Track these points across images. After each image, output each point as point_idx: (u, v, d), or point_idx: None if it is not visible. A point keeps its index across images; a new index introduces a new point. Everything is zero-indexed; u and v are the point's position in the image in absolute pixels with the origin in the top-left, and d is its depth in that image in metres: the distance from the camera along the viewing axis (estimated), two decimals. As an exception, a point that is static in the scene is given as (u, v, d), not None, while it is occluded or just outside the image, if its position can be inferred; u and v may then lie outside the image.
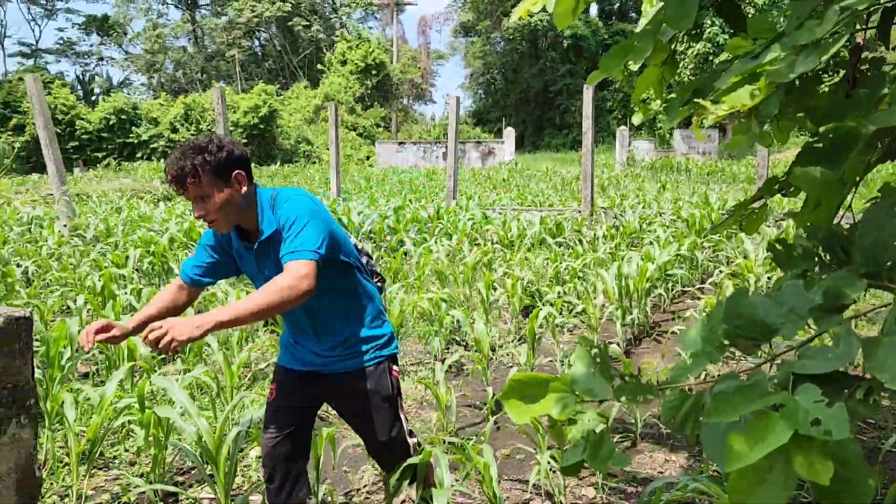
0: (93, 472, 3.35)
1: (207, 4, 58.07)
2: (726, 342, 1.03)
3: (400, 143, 33.42)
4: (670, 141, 31.94)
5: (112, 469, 3.43)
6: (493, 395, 3.94)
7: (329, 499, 3.21)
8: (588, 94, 11.14)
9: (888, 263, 1.00)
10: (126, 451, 3.61)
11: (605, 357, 1.16)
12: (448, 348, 5.47)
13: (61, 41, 61.02)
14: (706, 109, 1.19)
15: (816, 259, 1.12)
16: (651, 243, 7.85)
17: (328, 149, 22.44)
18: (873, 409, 0.89)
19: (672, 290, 7.11)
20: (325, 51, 48.74)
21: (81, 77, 56.02)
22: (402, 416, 2.60)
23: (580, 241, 8.97)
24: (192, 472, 3.46)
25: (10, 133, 30.83)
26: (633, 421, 3.96)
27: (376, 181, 22.68)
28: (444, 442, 3.50)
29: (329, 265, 2.31)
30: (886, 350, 0.88)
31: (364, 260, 2.64)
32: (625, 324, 5.54)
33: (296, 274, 2.09)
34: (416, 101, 53.85)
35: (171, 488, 2.81)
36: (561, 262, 7.27)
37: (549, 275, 7.16)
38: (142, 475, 3.32)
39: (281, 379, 2.58)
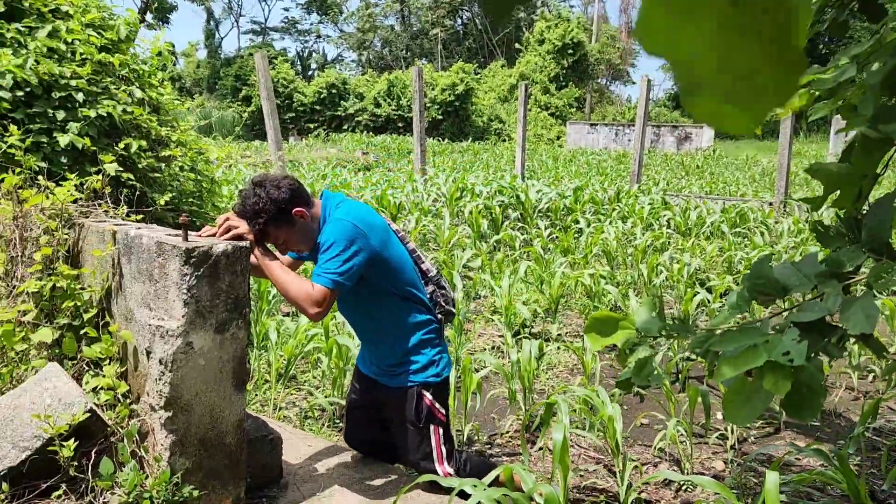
0: (288, 388, 4.07)
1: (416, -16, 60.48)
2: (747, 296, 1.30)
3: (592, 125, 33.07)
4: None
5: (302, 389, 4.13)
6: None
7: (475, 437, 3.66)
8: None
9: (887, 240, 1.22)
10: (314, 377, 4.31)
11: (662, 307, 1.46)
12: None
13: (286, 20, 66.79)
14: None
15: (846, 238, 1.34)
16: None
17: (518, 127, 22.92)
18: (841, 350, 1.14)
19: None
20: (524, 30, 49.05)
21: (301, 53, 61.09)
22: (433, 442, 2.63)
23: (762, 233, 8.67)
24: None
25: (239, 103, 34.64)
26: (779, 409, 4.01)
27: (563, 161, 22.80)
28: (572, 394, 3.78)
29: (372, 291, 2.52)
30: (856, 306, 1.13)
31: (429, 290, 2.75)
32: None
33: (310, 295, 2.33)
34: (613, 81, 52.72)
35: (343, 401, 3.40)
36: (736, 252, 7.15)
37: (720, 263, 7.09)
38: (325, 396, 3.98)
39: (355, 374, 2.93)
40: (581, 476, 3.27)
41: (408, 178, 12.06)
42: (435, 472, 2.58)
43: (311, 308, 2.33)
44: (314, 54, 63.29)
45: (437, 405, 2.63)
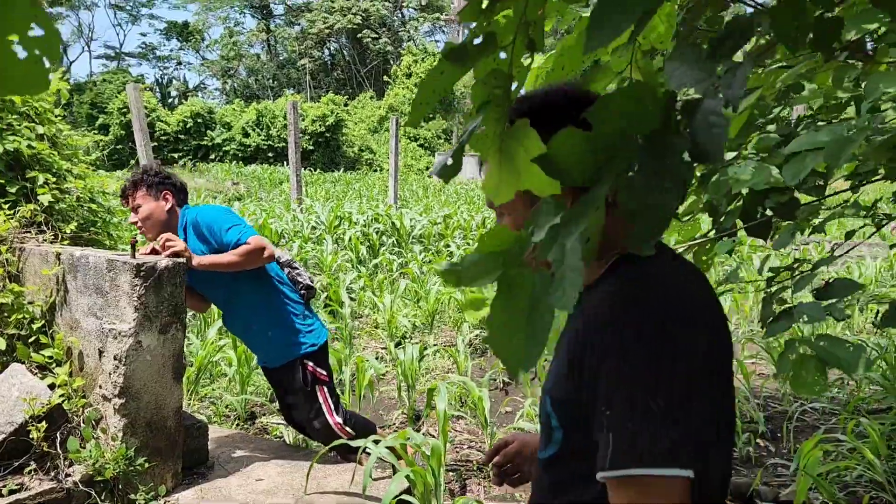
0: (197, 395, 4.48)
1: (282, 14, 60.57)
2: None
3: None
4: None
5: (209, 396, 4.55)
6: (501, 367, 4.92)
7: (366, 428, 4.24)
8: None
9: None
10: (218, 385, 4.73)
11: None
12: (477, 335, 6.46)
13: (143, 45, 64.64)
14: None
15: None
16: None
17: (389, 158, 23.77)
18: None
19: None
20: (391, 63, 50.37)
21: (160, 80, 59.22)
22: (320, 398, 3.12)
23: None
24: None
25: (95, 132, 33.30)
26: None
27: (434, 191, 23.81)
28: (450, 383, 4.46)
29: (246, 278, 3.01)
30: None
31: (286, 272, 3.23)
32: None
33: (253, 248, 2.83)
34: (477, 114, 54.94)
35: (255, 399, 3.89)
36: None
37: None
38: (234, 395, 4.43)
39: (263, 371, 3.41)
40: (457, 452, 3.93)
41: (285, 208, 12.45)
42: (328, 425, 3.08)
43: (264, 254, 2.85)
44: (174, 81, 61.58)
45: (318, 370, 3.13)
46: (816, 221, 2.33)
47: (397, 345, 5.73)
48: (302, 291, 3.25)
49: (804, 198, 1.82)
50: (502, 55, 0.98)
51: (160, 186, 3.00)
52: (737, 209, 2.12)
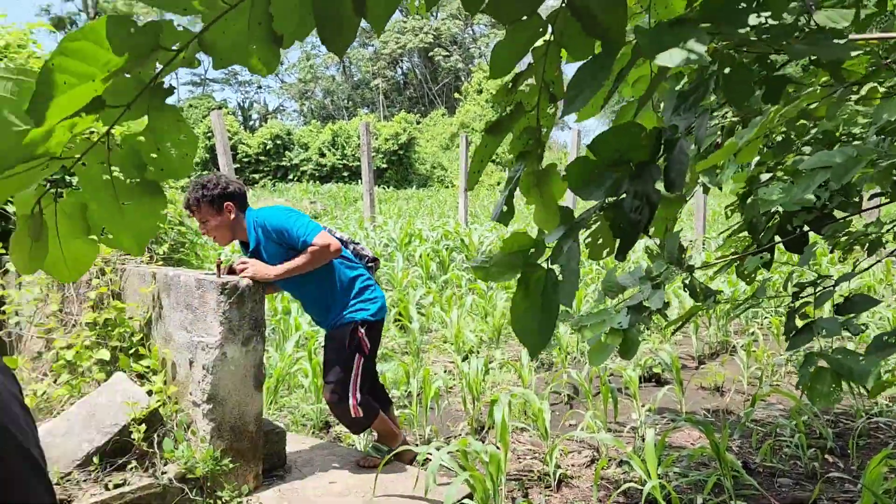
0: (276, 404, 4.79)
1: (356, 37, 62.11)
2: (602, 293, 2.18)
3: (529, 170, 34.46)
4: None
5: (287, 406, 4.85)
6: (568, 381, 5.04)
7: (434, 437, 4.44)
8: None
9: (678, 255, 2.11)
10: (295, 396, 5.03)
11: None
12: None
13: (226, 71, 67.41)
14: None
15: (660, 255, 2.23)
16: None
17: (460, 174, 24.16)
18: (648, 319, 2.01)
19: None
20: (462, 80, 50.96)
21: (242, 104, 61.72)
22: (354, 368, 3.32)
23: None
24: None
25: (183, 155, 34.89)
26: (679, 411, 4.91)
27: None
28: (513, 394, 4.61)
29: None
30: (655, 295, 2.01)
31: (350, 248, 3.51)
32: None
33: (319, 248, 3.09)
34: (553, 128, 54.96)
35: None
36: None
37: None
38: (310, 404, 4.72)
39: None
40: (520, 462, 4.08)
41: (358, 226, 12.87)
42: (346, 397, 3.30)
43: (329, 252, 3.12)
44: (255, 105, 64.05)
45: (366, 340, 3.36)
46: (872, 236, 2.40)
47: (464, 359, 5.92)
48: (369, 264, 3.55)
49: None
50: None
51: (221, 200, 3.21)
52: (774, 226, 2.23)
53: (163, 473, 2.80)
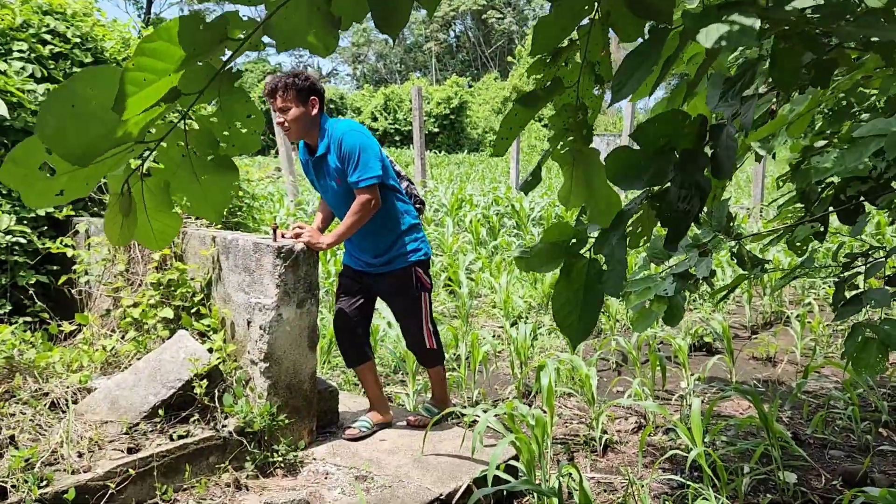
0: (329, 364, 4.94)
1: None
2: (648, 259, 2.19)
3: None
4: None
5: (339, 366, 5.00)
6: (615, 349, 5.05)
7: (482, 400, 4.53)
8: None
9: (726, 223, 2.10)
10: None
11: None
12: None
13: (281, 36, 67.66)
14: None
15: (708, 223, 2.22)
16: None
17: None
18: (695, 286, 2.02)
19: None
20: (516, 42, 50.18)
21: (296, 68, 62.14)
22: (423, 306, 3.45)
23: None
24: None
25: (239, 120, 35.39)
26: (729, 380, 4.88)
27: (556, 172, 23.73)
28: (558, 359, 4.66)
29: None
30: (702, 263, 2.02)
31: (404, 185, 3.52)
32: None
33: (365, 200, 3.15)
34: (605, 91, 53.88)
35: (381, 369, 4.26)
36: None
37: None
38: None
39: (342, 273, 3.65)
40: (566, 426, 4.14)
41: (410, 191, 12.95)
42: (421, 329, 3.47)
43: (373, 207, 3.19)
44: (309, 68, 64.38)
45: (425, 277, 3.48)
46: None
47: (513, 324, 5.97)
48: (417, 206, 3.60)
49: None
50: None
51: (309, 92, 3.19)
52: (828, 197, 2.19)
53: (223, 427, 2.95)
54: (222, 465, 2.89)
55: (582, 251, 1.18)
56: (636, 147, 1.16)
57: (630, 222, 1.23)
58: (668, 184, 1.10)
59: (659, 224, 1.14)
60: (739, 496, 3.15)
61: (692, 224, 2.36)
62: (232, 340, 3.26)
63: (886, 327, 1.51)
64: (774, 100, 2.32)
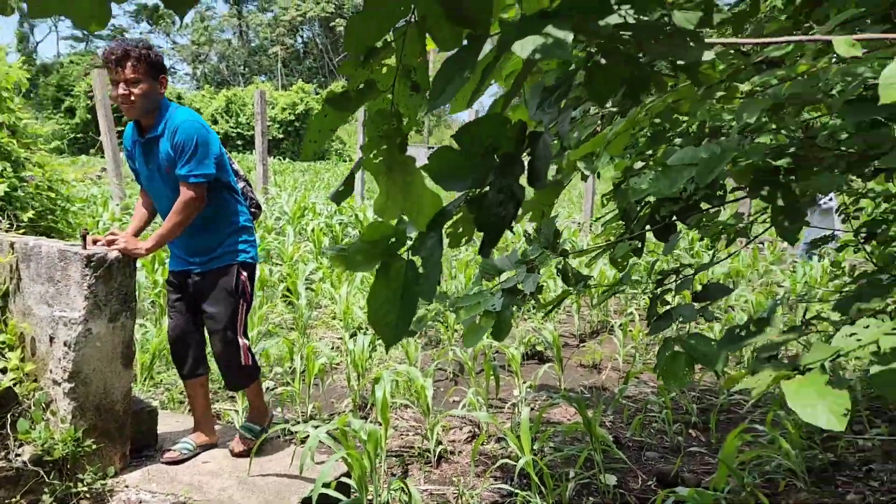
0: (151, 381, 4.59)
1: (255, 0, 59.93)
2: (479, 275, 2.20)
3: (430, 147, 34.59)
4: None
5: (162, 384, 4.66)
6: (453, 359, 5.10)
7: (317, 415, 4.39)
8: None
9: (554, 241, 2.16)
10: (168, 375, 4.84)
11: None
12: (431, 327, 6.63)
13: (112, 27, 63.32)
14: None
15: (537, 240, 2.28)
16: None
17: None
18: (522, 301, 2.05)
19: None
20: (364, 52, 50.14)
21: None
22: (239, 314, 3.21)
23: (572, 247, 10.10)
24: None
25: (61, 115, 32.59)
26: (557, 388, 5.09)
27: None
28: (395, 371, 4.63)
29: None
30: (529, 279, 2.04)
31: (241, 185, 3.36)
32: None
33: (189, 198, 2.98)
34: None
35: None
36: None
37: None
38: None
39: (168, 281, 3.38)
40: (402, 438, 4.11)
41: (250, 197, 12.48)
42: (236, 341, 3.20)
43: (197, 207, 3.00)
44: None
45: (248, 284, 3.26)
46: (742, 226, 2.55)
47: (352, 336, 5.88)
48: (253, 210, 3.43)
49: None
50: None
51: (161, 69, 3.03)
52: (645, 215, 2.32)
53: (17, 456, 2.63)
54: (13, 499, 2.57)
55: (401, 251, 1.14)
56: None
57: (450, 224, 1.20)
58: (487, 188, 1.09)
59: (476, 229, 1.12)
60: (563, 501, 3.27)
61: (526, 240, 2.40)
62: (32, 359, 2.92)
63: (693, 342, 1.60)
64: (599, 122, 2.43)
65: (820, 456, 3.84)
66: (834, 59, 1.38)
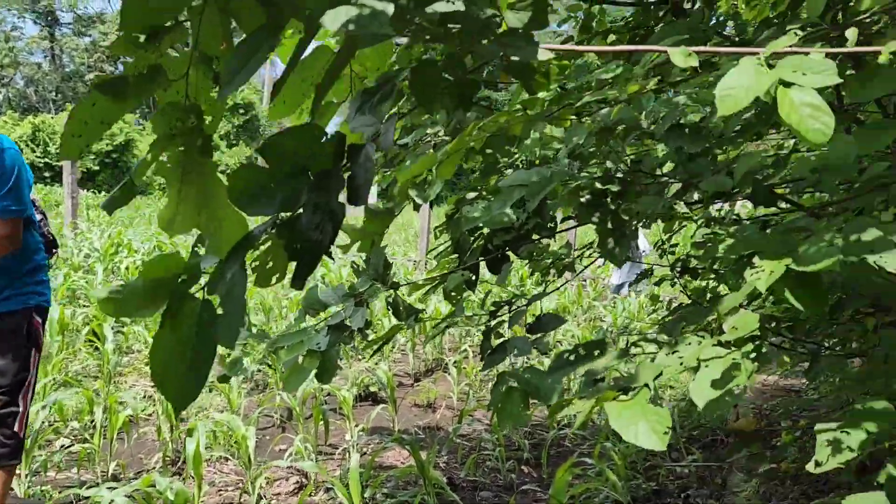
0: None
1: (70, 24, 55.88)
2: (304, 310, 2.00)
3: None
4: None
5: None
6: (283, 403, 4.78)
7: (121, 474, 3.89)
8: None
9: (383, 272, 2.00)
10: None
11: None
12: (258, 370, 6.22)
13: None
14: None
15: (366, 271, 2.12)
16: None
17: (183, 183, 22.46)
18: (350, 338, 1.86)
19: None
20: (192, 85, 48.24)
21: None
22: (31, 367, 2.83)
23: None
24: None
25: None
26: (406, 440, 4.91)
27: (230, 219, 22.93)
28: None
29: None
30: (357, 314, 1.87)
31: (38, 217, 3.01)
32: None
33: (3, 234, 2.61)
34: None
35: None
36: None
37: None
38: None
39: None
40: (220, 495, 3.73)
41: (57, 232, 11.32)
42: (17, 403, 2.76)
43: (9, 246, 2.64)
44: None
45: (40, 332, 2.88)
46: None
47: (168, 382, 5.37)
48: (53, 250, 3.14)
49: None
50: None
51: None
52: (479, 247, 2.24)
53: None
54: None
55: (193, 290, 0.92)
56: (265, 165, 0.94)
57: (257, 256, 1.01)
58: (301, 210, 0.91)
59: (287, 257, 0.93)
60: (396, 552, 3.08)
61: (352, 270, 2.24)
62: None
63: (528, 376, 1.50)
64: (432, 149, 2.34)
65: (643, 485, 3.95)
66: (671, 78, 1.37)
